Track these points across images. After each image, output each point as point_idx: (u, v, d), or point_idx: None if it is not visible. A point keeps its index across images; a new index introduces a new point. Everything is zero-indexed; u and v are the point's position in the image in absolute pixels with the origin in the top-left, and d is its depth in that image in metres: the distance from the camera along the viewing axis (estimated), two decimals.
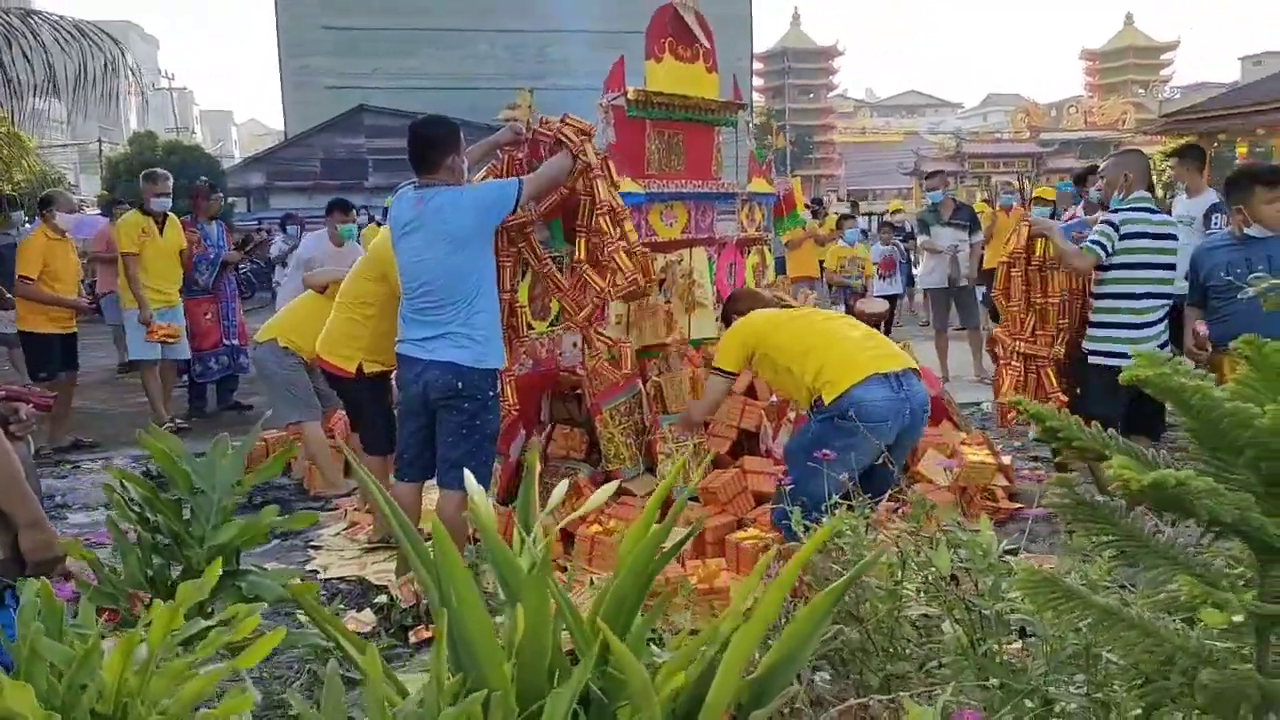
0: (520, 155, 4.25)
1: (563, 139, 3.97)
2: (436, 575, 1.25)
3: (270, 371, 5.05)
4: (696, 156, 5.13)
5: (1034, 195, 9.17)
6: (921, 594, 2.27)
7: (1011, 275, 4.69)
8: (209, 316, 7.53)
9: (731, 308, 4.29)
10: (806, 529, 2.38)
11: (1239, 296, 2.72)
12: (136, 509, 1.51)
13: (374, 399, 4.42)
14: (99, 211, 11.28)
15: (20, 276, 6.39)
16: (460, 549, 3.69)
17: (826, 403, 3.48)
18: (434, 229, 3.51)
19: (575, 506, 4.11)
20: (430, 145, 3.58)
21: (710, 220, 5.27)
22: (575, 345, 4.53)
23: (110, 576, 1.46)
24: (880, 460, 2.92)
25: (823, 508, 2.45)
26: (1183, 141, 20.50)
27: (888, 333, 9.75)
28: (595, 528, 3.98)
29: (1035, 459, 5.71)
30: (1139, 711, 1.77)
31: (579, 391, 4.55)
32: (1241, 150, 19.48)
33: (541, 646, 1.08)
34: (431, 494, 3.86)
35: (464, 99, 27.48)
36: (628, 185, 4.56)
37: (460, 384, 3.54)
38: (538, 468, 1.58)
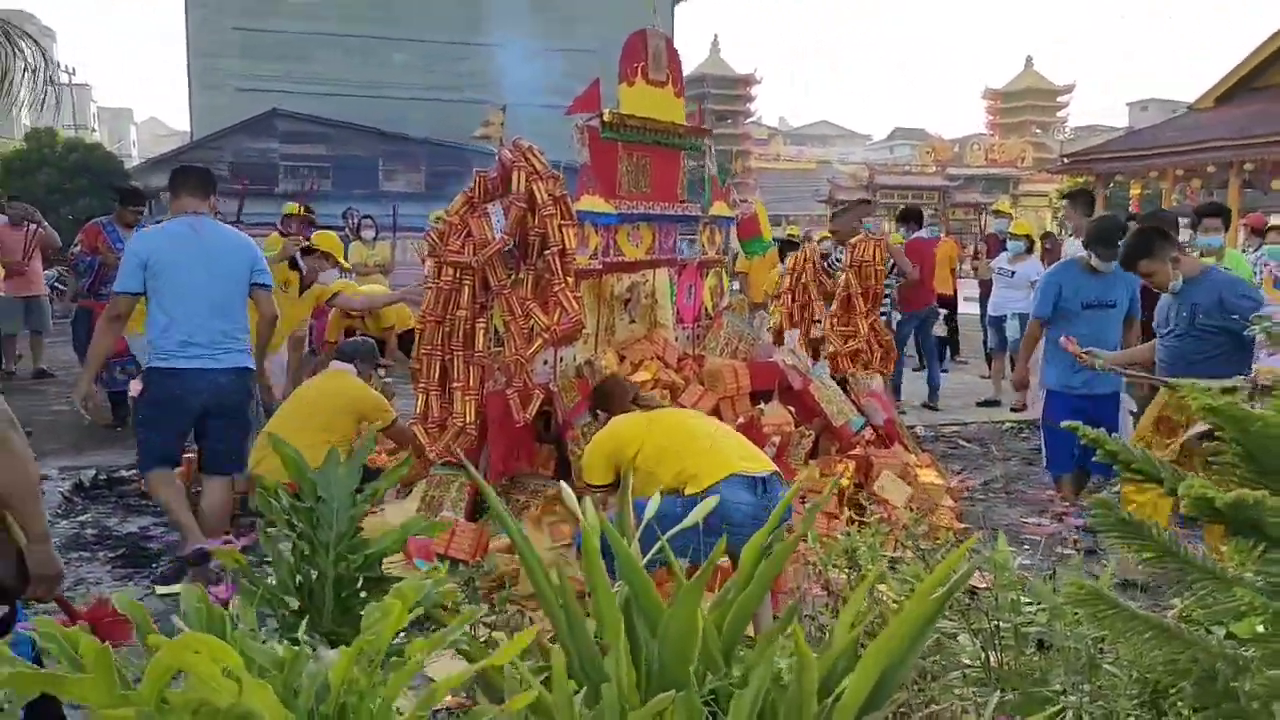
0: (493, 175, 4.28)
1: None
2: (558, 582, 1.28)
3: None
4: (662, 179, 5.22)
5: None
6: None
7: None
8: None
9: (597, 404, 4.00)
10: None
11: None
12: (287, 517, 1.49)
13: None
14: None
15: None
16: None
17: (686, 495, 3.22)
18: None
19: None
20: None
21: (673, 242, 5.37)
22: (546, 363, 4.55)
23: (263, 583, 1.44)
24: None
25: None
26: (1079, 181, 21.68)
27: None
28: None
29: (984, 482, 5.95)
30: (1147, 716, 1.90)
31: (547, 409, 4.56)
32: (1135, 191, 20.66)
33: (690, 653, 1.12)
34: None
35: (378, 107, 27.07)
36: (600, 205, 4.63)
37: None
38: (631, 480, 1.62)
